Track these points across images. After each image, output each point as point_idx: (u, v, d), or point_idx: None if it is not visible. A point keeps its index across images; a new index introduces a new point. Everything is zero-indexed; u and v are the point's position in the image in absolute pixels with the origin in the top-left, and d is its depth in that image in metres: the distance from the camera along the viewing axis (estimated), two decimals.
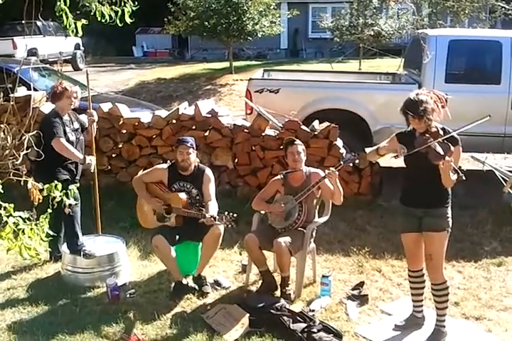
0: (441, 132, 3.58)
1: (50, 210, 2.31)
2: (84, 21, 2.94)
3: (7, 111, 6.38)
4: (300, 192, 4.41)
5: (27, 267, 4.81)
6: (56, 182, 2.54)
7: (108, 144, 6.57)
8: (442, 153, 3.47)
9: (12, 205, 2.13)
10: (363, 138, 6.89)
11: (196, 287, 4.44)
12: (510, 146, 6.72)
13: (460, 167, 3.50)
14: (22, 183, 2.42)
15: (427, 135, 3.58)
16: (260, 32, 14.75)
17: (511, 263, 4.98)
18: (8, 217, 2.10)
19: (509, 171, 4.34)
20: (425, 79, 6.80)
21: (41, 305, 4.20)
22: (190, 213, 4.39)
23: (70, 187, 2.45)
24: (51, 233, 2.37)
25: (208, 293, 4.40)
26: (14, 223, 2.09)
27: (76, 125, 4.79)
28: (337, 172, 4.25)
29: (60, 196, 2.30)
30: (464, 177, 3.43)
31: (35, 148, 3.20)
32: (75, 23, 2.88)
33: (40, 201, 2.41)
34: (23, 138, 2.72)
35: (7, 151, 2.70)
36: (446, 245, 3.72)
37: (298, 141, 4.57)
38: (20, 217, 2.14)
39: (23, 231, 2.12)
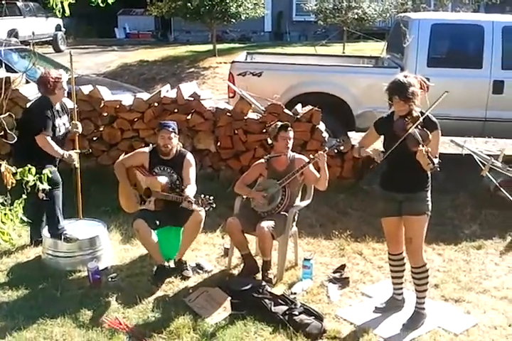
0: (421, 117, 3.58)
1: (24, 196, 2.27)
2: (71, 0, 2.87)
3: None
4: (284, 176, 4.41)
5: (7, 251, 4.77)
6: (36, 166, 2.51)
7: (89, 127, 6.47)
8: (420, 140, 3.48)
9: None
10: (345, 121, 6.89)
11: (177, 270, 4.45)
12: (490, 130, 6.77)
13: (437, 157, 3.52)
14: None
15: (407, 119, 3.58)
16: (244, 14, 14.60)
17: (490, 246, 5.06)
18: None
19: (488, 155, 4.38)
20: (407, 63, 6.79)
21: (21, 289, 4.18)
22: (168, 197, 4.38)
23: (44, 171, 2.41)
24: (25, 219, 2.33)
25: (189, 277, 4.41)
26: None
27: (66, 117, 4.73)
28: (325, 155, 4.26)
29: (34, 180, 2.25)
30: (438, 169, 3.45)
31: (9, 132, 3.13)
32: (62, 3, 2.81)
33: (14, 185, 2.37)
34: None
35: None
36: (426, 228, 3.76)
37: (290, 127, 4.55)
38: None
39: None
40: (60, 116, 4.66)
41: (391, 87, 3.60)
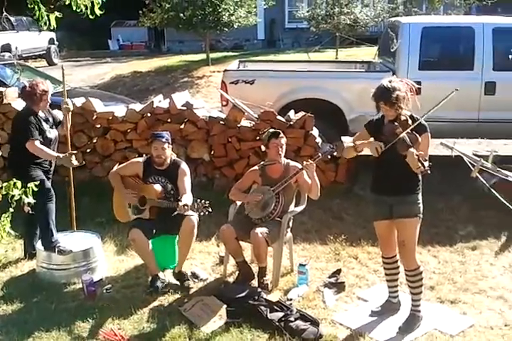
0: (409, 121, 3.60)
1: (12, 209, 2.27)
2: (57, 14, 2.90)
3: None
4: (278, 183, 4.41)
5: (1, 265, 4.75)
6: (29, 178, 2.51)
7: (82, 139, 6.49)
8: (409, 143, 3.49)
9: None
10: (338, 126, 6.89)
11: (178, 283, 4.41)
12: (484, 131, 6.78)
13: (426, 160, 3.52)
14: None
15: (396, 123, 3.59)
16: (236, 23, 14.65)
17: (486, 246, 5.06)
18: None
19: (478, 156, 4.38)
20: (399, 66, 6.82)
21: (16, 303, 4.16)
22: (164, 203, 4.38)
23: (29, 185, 2.40)
24: (13, 233, 2.33)
25: (191, 288, 4.37)
26: None
27: (51, 120, 4.74)
28: (314, 165, 4.27)
29: (19, 194, 2.25)
30: (429, 172, 3.46)
31: None
32: (48, 16, 2.84)
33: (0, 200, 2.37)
34: None
35: None
36: (418, 231, 3.76)
37: (282, 134, 4.55)
38: None
39: None
40: (46, 121, 4.66)
41: (376, 93, 3.62)
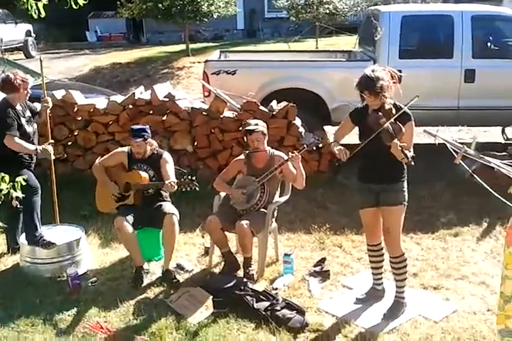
0: (393, 110, 3.61)
1: None
2: (44, 1, 2.86)
3: None
4: (262, 173, 4.41)
5: None
6: (11, 172, 2.48)
7: (63, 132, 6.42)
8: (393, 133, 3.51)
9: None
10: (321, 116, 6.92)
11: (166, 280, 4.37)
12: (464, 119, 6.85)
13: (411, 151, 3.55)
14: None
15: (380, 113, 3.60)
16: (216, 13, 14.57)
17: (467, 233, 5.13)
18: None
19: (460, 143, 4.43)
20: (380, 55, 6.84)
21: (0, 298, 4.12)
22: (149, 185, 4.43)
23: (17, 179, 2.37)
24: (1, 224, 2.30)
25: (180, 282, 4.35)
26: None
27: (28, 113, 4.67)
28: (300, 156, 4.28)
29: (7, 188, 2.22)
30: (412, 163, 3.49)
31: None
32: (36, 4, 2.80)
33: None
34: None
35: None
36: (403, 219, 3.80)
37: (258, 127, 4.49)
38: None
39: None
40: (24, 115, 4.59)
41: (360, 82, 3.63)
